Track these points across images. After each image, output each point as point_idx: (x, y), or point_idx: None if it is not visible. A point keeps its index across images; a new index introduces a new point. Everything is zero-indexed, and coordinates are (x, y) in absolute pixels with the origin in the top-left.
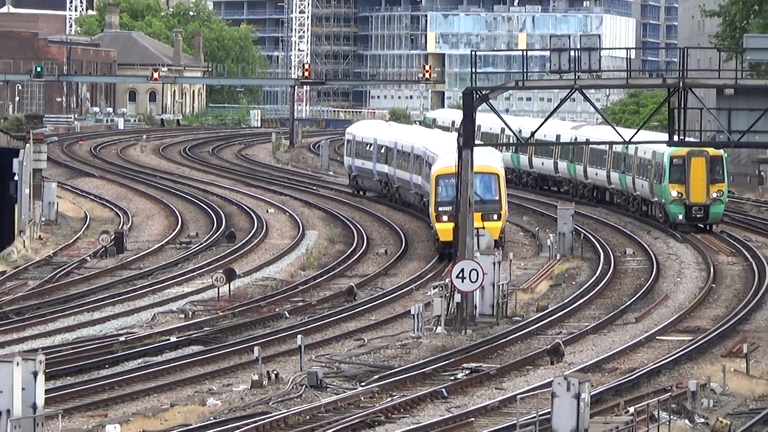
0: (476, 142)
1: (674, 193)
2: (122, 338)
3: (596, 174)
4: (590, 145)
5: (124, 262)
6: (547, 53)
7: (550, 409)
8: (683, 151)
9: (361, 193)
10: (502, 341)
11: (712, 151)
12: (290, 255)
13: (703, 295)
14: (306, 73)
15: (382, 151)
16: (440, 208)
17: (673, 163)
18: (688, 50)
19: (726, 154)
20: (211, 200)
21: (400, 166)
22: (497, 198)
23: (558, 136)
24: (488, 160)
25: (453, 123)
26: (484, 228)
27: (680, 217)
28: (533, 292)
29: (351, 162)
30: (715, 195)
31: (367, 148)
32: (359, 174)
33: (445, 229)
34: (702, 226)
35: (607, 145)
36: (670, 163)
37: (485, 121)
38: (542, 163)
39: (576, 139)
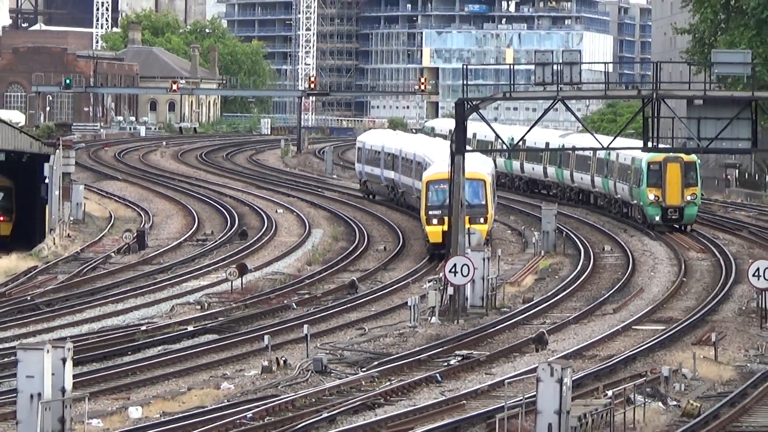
0: (472, 148)
1: (651, 196)
2: (144, 327)
3: (581, 178)
4: (576, 152)
5: (145, 257)
6: (533, 67)
7: (535, 393)
8: (660, 157)
9: (370, 197)
10: (491, 330)
11: (686, 157)
12: (297, 251)
13: (675, 288)
14: (312, 85)
15: (389, 158)
16: (430, 212)
17: (651, 168)
18: (661, 64)
19: (699, 160)
20: (225, 201)
21: (404, 172)
22: (484, 202)
23: (547, 143)
24: (477, 167)
25: (450, 131)
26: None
27: (657, 218)
28: (520, 286)
29: (361, 168)
30: (689, 198)
31: (376, 155)
32: (369, 179)
33: (434, 232)
34: (677, 226)
35: (592, 152)
36: (647, 169)
37: (481, 129)
38: (533, 168)
39: (563, 146)
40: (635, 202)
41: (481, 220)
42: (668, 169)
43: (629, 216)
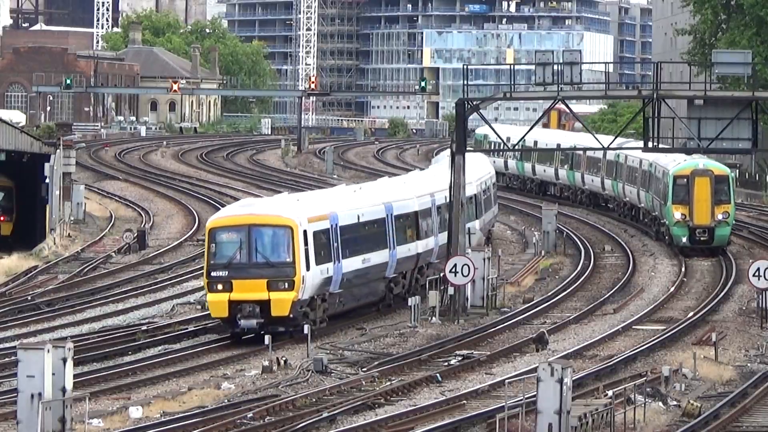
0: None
1: (678, 215)
2: (144, 327)
3: (630, 192)
4: (627, 164)
5: (145, 257)
6: (533, 67)
7: (535, 393)
8: (687, 170)
9: None
10: (491, 330)
11: (717, 170)
12: None
13: (675, 288)
14: (312, 85)
15: None
16: (213, 273)
17: (677, 182)
18: (662, 64)
19: (732, 174)
20: (226, 201)
21: None
22: (289, 260)
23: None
24: (278, 209)
25: (508, 139)
26: (269, 300)
27: (684, 239)
28: (520, 286)
29: None
30: (720, 217)
31: None
32: None
33: (217, 302)
34: (708, 249)
35: (638, 164)
36: (673, 183)
37: (542, 136)
38: (592, 180)
39: (618, 155)
40: (665, 220)
41: (285, 285)
42: (696, 183)
43: (665, 236)
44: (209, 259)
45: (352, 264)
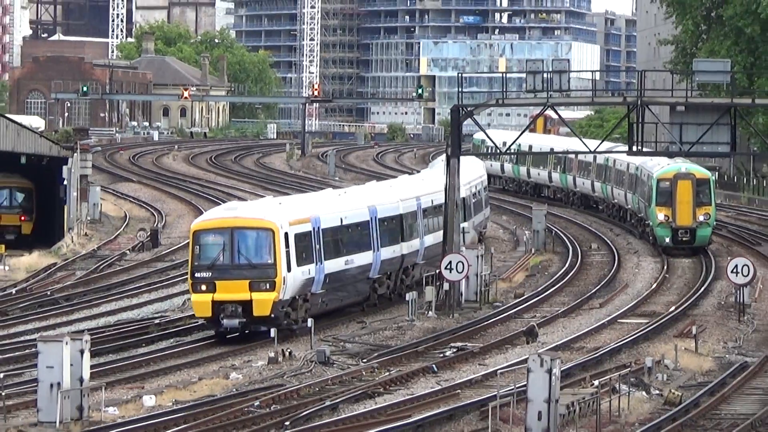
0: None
1: (661, 216)
2: (157, 321)
3: (618, 194)
4: (616, 166)
5: (158, 255)
6: (524, 75)
7: (526, 382)
8: (670, 173)
9: None
10: (484, 324)
11: (698, 173)
12: None
13: (658, 284)
14: (315, 92)
15: None
16: (197, 274)
17: (660, 186)
18: (645, 73)
19: (713, 177)
20: None
21: None
22: (270, 261)
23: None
24: (260, 212)
25: (504, 143)
26: (251, 300)
27: (667, 240)
28: (511, 282)
29: None
30: (701, 218)
31: None
32: None
33: (201, 302)
34: (690, 249)
35: (626, 166)
36: (657, 186)
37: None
38: (583, 183)
39: (607, 158)
40: (649, 221)
41: (266, 285)
42: (678, 186)
43: (649, 236)
44: (193, 261)
45: (335, 265)
